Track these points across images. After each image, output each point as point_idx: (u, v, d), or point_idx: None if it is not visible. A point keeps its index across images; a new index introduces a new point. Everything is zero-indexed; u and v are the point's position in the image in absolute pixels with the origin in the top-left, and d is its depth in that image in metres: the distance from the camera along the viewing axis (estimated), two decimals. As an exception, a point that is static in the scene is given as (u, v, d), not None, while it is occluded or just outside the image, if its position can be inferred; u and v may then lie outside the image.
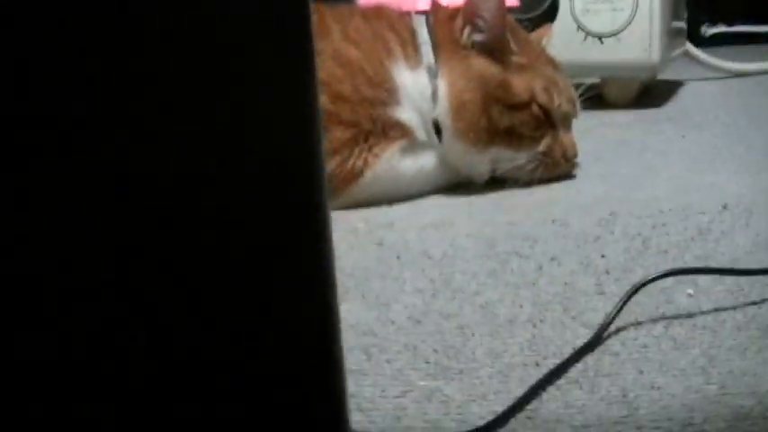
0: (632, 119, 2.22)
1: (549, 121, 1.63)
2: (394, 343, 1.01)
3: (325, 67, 1.60)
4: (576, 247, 1.27)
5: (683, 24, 2.63)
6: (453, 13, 1.66)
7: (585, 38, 2.28)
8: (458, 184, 1.66)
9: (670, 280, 1.11)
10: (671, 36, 2.39)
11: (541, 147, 1.63)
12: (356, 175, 1.57)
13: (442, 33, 1.66)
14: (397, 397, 0.89)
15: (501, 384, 0.91)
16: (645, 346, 0.97)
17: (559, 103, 1.64)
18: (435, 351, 0.99)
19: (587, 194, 1.56)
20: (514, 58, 1.64)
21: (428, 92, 1.62)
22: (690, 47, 2.69)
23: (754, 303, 1.06)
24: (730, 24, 3.34)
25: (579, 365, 0.94)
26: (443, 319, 1.07)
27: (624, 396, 0.87)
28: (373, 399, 0.87)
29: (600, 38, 2.27)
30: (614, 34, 2.26)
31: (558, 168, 1.66)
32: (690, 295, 1.09)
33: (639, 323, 1.02)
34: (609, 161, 1.81)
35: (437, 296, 1.14)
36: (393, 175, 1.60)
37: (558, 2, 2.29)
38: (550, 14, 2.30)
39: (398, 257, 1.29)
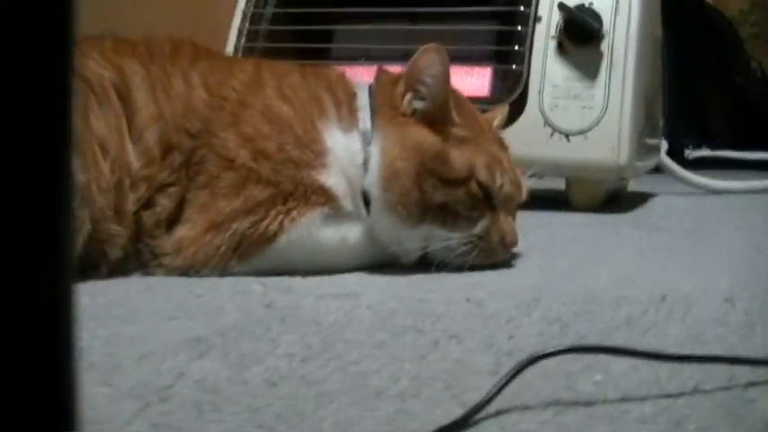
0: (591, 220, 2.05)
1: (489, 202, 1.47)
2: (234, 404, 0.84)
3: (252, 123, 1.45)
4: (484, 327, 1.10)
5: (658, 141, 2.49)
6: (397, 78, 1.51)
7: (552, 134, 2.12)
8: (385, 264, 1.46)
9: (577, 364, 0.94)
10: (643, 143, 2.23)
11: (477, 229, 1.46)
12: (269, 238, 1.40)
13: (383, 98, 1.51)
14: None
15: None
16: (525, 432, 0.79)
17: (501, 183, 1.47)
18: (278, 416, 0.81)
19: (517, 281, 1.38)
20: (456, 130, 1.48)
21: (359, 158, 1.46)
22: (665, 159, 2.54)
23: (669, 396, 0.88)
24: (714, 149, 3.20)
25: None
26: (304, 384, 0.90)
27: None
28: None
29: (567, 135, 2.12)
30: (582, 132, 2.11)
31: (494, 255, 1.48)
32: (597, 382, 0.90)
33: (527, 407, 0.84)
34: (554, 255, 1.64)
35: (307, 362, 0.96)
36: (311, 244, 1.43)
37: (527, 94, 2.14)
38: (518, 107, 2.14)
39: (283, 320, 1.11)
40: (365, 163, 1.46)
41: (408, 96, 1.48)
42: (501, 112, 1.70)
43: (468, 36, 2.26)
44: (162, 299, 1.20)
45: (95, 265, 1.37)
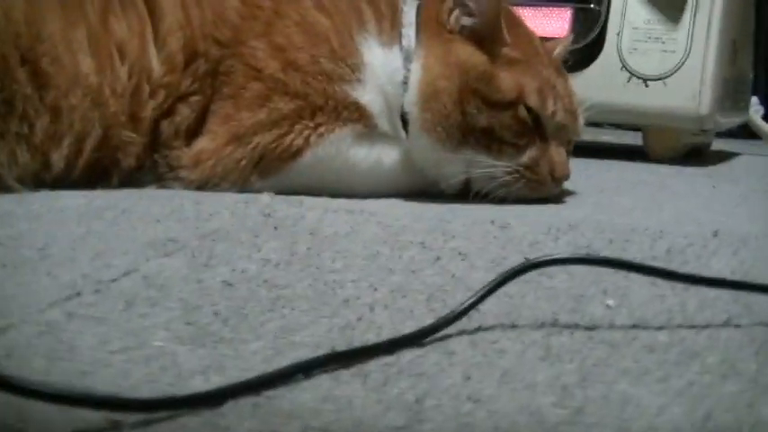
0: (666, 169, 1.85)
1: (539, 130, 1.30)
2: (175, 300, 0.70)
3: (285, 33, 1.31)
4: (500, 248, 0.95)
5: (746, 95, 2.27)
6: None
7: (629, 79, 1.93)
8: (425, 193, 1.31)
9: (593, 287, 0.78)
10: (728, 95, 2.02)
11: (524, 158, 1.29)
12: (293, 154, 1.26)
13: (429, 14, 1.35)
14: (114, 352, 0.60)
15: (259, 362, 0.58)
16: (501, 351, 0.64)
17: (554, 110, 1.30)
18: (216, 314, 0.68)
19: (558, 212, 1.21)
20: (506, 51, 1.31)
21: (399, 76, 1.31)
22: (755, 117, 2.32)
23: (692, 327, 0.71)
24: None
25: (388, 358, 0.60)
26: (265, 288, 0.76)
27: (417, 402, 0.53)
28: (92, 347, 0.61)
29: (645, 81, 1.92)
30: (661, 78, 1.91)
31: (543, 188, 1.31)
32: (609, 306, 0.74)
33: (516, 326, 0.69)
34: (613, 194, 1.47)
35: (281, 267, 0.83)
36: (339, 163, 1.28)
37: (605, 36, 1.95)
38: (594, 49, 1.96)
39: (276, 228, 0.98)
40: (406, 82, 1.31)
41: (456, 12, 1.32)
42: (564, 41, 1.52)
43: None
44: (159, 205, 1.07)
45: (106, 173, 1.25)
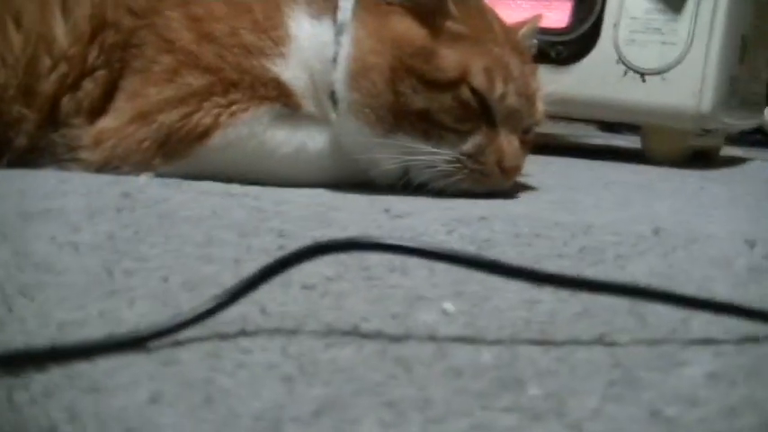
0: (656, 171, 1.63)
1: (486, 115, 1.10)
2: None
3: (205, 3, 1.13)
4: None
5: (760, 96, 2.04)
6: None
7: (626, 73, 1.72)
8: (359, 184, 1.12)
9: (433, 290, 0.58)
10: (736, 93, 1.80)
11: (468, 146, 1.10)
12: (200, 134, 1.08)
13: (367, -17, 1.16)
14: None
15: None
16: (239, 365, 0.44)
17: (504, 92, 1.10)
18: None
19: (482, 207, 1.00)
20: (451, 25, 1.12)
21: (329, 51, 1.13)
22: (771, 119, 2.09)
23: (542, 343, 0.51)
24: None
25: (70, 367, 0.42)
26: (41, 270, 0.57)
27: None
28: None
29: (642, 75, 1.71)
30: (660, 72, 1.70)
31: (489, 180, 1.11)
32: (445, 312, 0.55)
33: (275, 331, 0.49)
34: (579, 192, 1.26)
35: (82, 250, 0.65)
36: (254, 146, 1.10)
37: (601, 26, 1.74)
38: (589, 40, 1.75)
39: (119, 210, 0.79)
40: (335, 58, 1.12)
41: (396, -18, 1.13)
42: (533, 20, 1.32)
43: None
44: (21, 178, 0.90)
45: (-5, 151, 1.08)
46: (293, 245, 0.51)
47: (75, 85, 1.11)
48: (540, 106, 1.18)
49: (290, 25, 1.13)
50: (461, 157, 1.09)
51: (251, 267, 0.52)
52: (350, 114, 1.10)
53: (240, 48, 1.11)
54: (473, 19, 1.14)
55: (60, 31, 1.10)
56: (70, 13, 1.11)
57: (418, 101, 1.08)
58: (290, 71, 1.12)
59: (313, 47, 1.13)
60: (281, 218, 0.80)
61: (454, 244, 0.74)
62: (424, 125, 1.08)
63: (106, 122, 1.10)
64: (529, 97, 1.14)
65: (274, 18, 1.13)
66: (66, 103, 1.10)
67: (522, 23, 1.30)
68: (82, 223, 0.74)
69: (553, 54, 1.76)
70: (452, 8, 1.12)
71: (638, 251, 0.77)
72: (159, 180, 0.98)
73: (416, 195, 1.06)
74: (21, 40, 1.08)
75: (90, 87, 1.11)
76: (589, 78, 1.73)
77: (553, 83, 1.71)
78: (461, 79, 1.08)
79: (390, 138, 1.08)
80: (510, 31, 1.21)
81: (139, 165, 1.08)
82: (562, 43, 1.76)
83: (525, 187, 1.22)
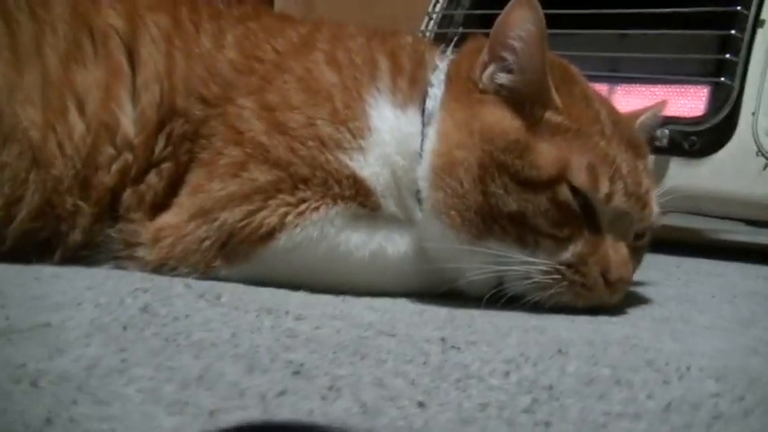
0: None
1: (590, 219, 0.94)
2: None
3: (281, 90, 1.02)
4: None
5: None
6: (482, 45, 1.01)
7: (765, 167, 1.51)
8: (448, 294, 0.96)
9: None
10: None
11: (567, 254, 0.93)
12: (265, 236, 0.96)
13: (459, 68, 1.02)
14: None
15: None
16: None
17: (610, 192, 0.94)
18: None
19: (593, 335, 0.83)
20: (551, 116, 0.96)
21: (414, 145, 0.99)
22: None
23: None
24: None
25: None
26: None
27: None
28: None
29: (786, 169, 1.50)
30: (806, 167, 1.49)
31: (592, 294, 0.94)
32: None
33: None
34: (696, 305, 1.07)
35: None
36: (325, 250, 0.96)
37: (739, 115, 1.55)
38: (725, 130, 1.56)
39: (125, 328, 0.66)
40: (422, 153, 0.98)
41: (492, 68, 0.98)
42: (654, 107, 1.14)
43: (679, 44, 1.69)
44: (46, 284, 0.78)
45: (47, 247, 0.98)
46: (302, 388, 0.37)
47: (137, 178, 1.00)
48: (655, 207, 1.00)
49: (371, 115, 1.00)
50: (560, 268, 0.93)
51: (227, 421, 0.38)
52: (433, 216, 0.95)
53: (315, 140, 0.98)
54: (577, 108, 0.98)
55: (126, 119, 1.00)
56: (138, 100, 1.01)
57: (510, 202, 0.92)
58: (370, 167, 0.98)
59: (396, 140, 0.99)
60: (311, 346, 0.66)
61: (504, 394, 0.58)
62: (518, 230, 0.93)
63: (167, 218, 0.99)
64: (640, 197, 0.97)
65: (354, 107, 1.00)
66: (128, 196, 1.00)
67: (641, 111, 1.13)
68: (70, 346, 0.61)
69: (686, 145, 1.57)
70: (556, 98, 0.96)
71: (742, 409, 0.59)
72: (199, 288, 0.85)
73: (504, 310, 0.90)
74: (82, 128, 0.99)
75: (154, 180, 1.00)
76: (725, 172, 1.54)
77: (686, 176, 1.54)
78: (560, 178, 0.92)
79: (479, 244, 0.93)
80: (623, 122, 1.04)
81: (198, 266, 0.96)
82: (696, 133, 1.57)
83: (636, 298, 1.05)
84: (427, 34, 1.95)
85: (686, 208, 1.61)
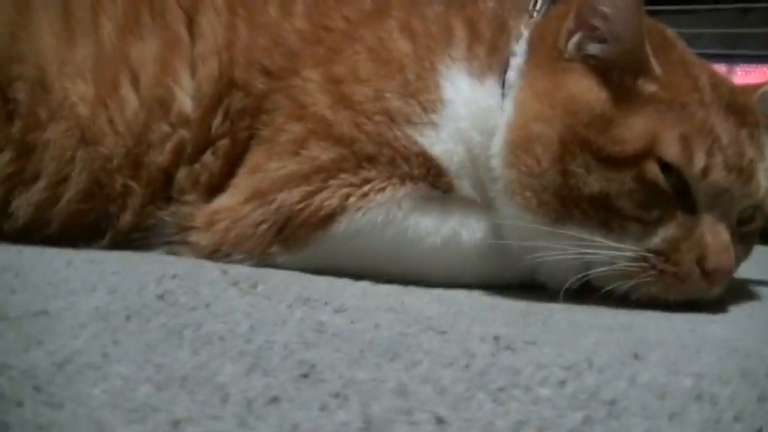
0: None
1: (684, 198, 0.81)
2: None
3: (350, 61, 0.92)
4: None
5: None
6: (568, 11, 0.88)
7: None
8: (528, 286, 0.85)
9: None
10: None
11: (656, 240, 0.80)
12: (324, 219, 0.86)
13: (543, 34, 0.90)
14: None
15: None
16: None
17: (707, 165, 0.80)
18: None
19: (682, 336, 0.70)
20: (643, 85, 0.83)
21: (493, 119, 0.87)
22: None
23: None
24: None
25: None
26: None
27: None
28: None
29: None
30: None
31: (686, 286, 0.81)
32: None
33: None
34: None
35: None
36: (392, 235, 0.86)
37: None
38: None
39: (128, 318, 0.57)
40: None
41: (578, 37, 0.86)
42: None
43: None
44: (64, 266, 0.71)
45: (96, 231, 0.91)
46: (302, 394, 0.28)
47: (193, 157, 0.92)
48: (763, 181, 0.85)
49: (444, 87, 0.89)
50: (648, 255, 0.80)
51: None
52: (506, 197, 0.84)
53: (383, 115, 0.88)
54: (674, 76, 0.84)
55: (183, 93, 0.92)
56: (195, 73, 0.93)
57: (592, 182, 0.80)
58: (442, 144, 0.87)
59: (473, 114, 0.88)
60: (336, 343, 0.56)
61: (551, 408, 0.46)
62: (602, 214, 0.80)
63: (222, 201, 0.90)
64: (743, 170, 0.83)
65: (427, 78, 0.89)
66: (182, 177, 0.92)
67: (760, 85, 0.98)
68: (56, 336, 0.52)
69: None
70: (655, 66, 0.83)
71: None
72: (236, 275, 0.75)
73: (592, 305, 0.78)
74: (135, 103, 0.91)
75: (210, 160, 0.92)
76: None
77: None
78: (647, 153, 0.80)
79: (558, 229, 0.81)
80: (726, 87, 0.89)
81: (254, 252, 0.87)
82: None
83: (745, 295, 0.91)
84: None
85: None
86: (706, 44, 1.63)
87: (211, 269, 0.77)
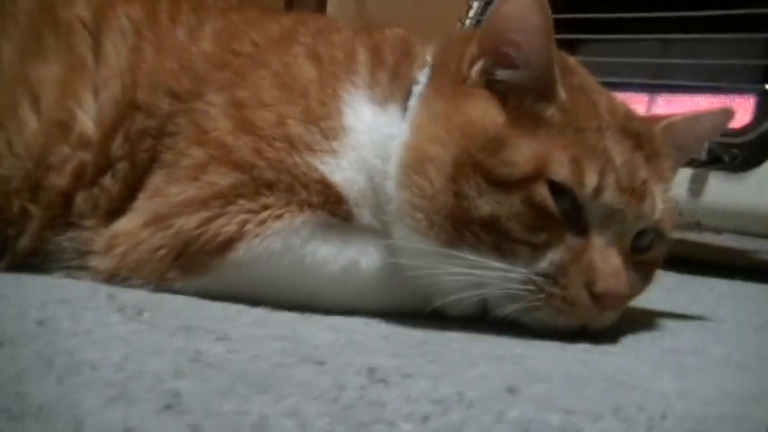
0: None
1: (575, 221, 0.82)
2: None
3: (255, 86, 0.92)
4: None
5: None
6: (472, 35, 0.90)
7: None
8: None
9: None
10: None
11: (544, 263, 0.81)
12: (221, 245, 0.85)
13: (445, 59, 0.91)
14: None
15: None
16: None
17: (599, 186, 0.81)
18: None
19: (569, 368, 0.71)
20: (544, 110, 0.84)
21: (395, 144, 0.87)
22: None
23: None
24: None
25: None
26: None
27: None
28: None
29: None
30: None
31: (576, 311, 0.81)
32: None
33: None
34: (717, 333, 0.94)
35: None
36: (290, 263, 0.86)
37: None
38: (763, 147, 1.42)
39: None
40: (402, 150, 0.87)
41: (482, 63, 0.87)
42: (707, 113, 0.99)
43: (725, 50, 1.56)
44: None
45: (-6, 253, 0.89)
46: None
47: (93, 180, 0.91)
48: (658, 202, 0.86)
49: (346, 114, 0.89)
50: (536, 278, 0.80)
51: None
52: (398, 219, 0.84)
53: (283, 141, 0.88)
54: (574, 101, 0.85)
55: (85, 115, 0.92)
56: (97, 95, 0.93)
57: (483, 205, 0.81)
58: (342, 171, 0.88)
59: (374, 141, 0.89)
60: (208, 373, 0.55)
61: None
62: (493, 238, 0.81)
63: (121, 225, 0.90)
64: (635, 191, 0.84)
65: (329, 105, 0.90)
66: (81, 200, 0.91)
67: (669, 116, 0.98)
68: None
69: (726, 158, 1.44)
70: (561, 91, 0.84)
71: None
72: (123, 301, 0.75)
73: (495, 334, 0.79)
74: (35, 126, 0.90)
75: (109, 183, 0.92)
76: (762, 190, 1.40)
77: (726, 192, 1.40)
78: (537, 175, 0.81)
79: (451, 251, 0.81)
80: (626, 115, 0.90)
81: (151, 277, 0.87)
82: (738, 146, 1.43)
83: (648, 324, 0.92)
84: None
85: (726, 226, 1.47)
86: (629, 73, 1.66)
87: (101, 294, 0.76)
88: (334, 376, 0.57)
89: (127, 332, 0.64)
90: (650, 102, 1.65)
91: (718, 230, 1.64)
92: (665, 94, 1.64)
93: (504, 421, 0.51)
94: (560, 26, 1.41)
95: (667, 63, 1.66)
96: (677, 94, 1.63)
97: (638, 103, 1.61)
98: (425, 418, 0.50)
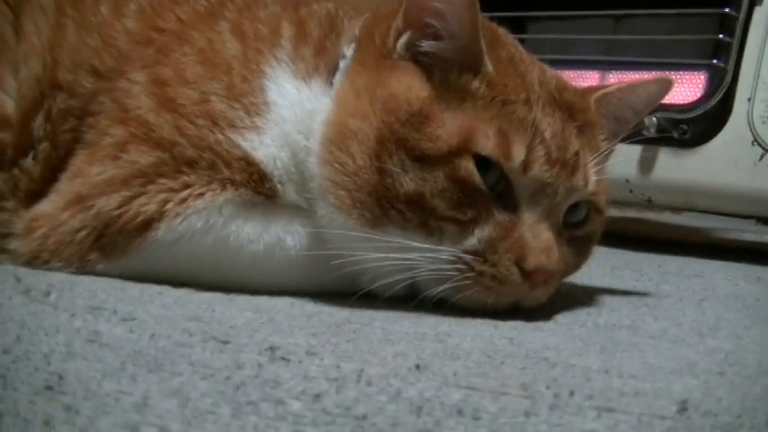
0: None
1: (504, 196, 0.81)
2: None
3: (177, 63, 0.90)
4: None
5: None
6: (398, 9, 0.88)
7: (762, 157, 1.37)
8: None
9: None
10: None
11: (473, 240, 0.80)
12: (141, 226, 0.84)
13: (370, 33, 0.90)
14: None
15: None
16: None
17: (528, 160, 0.80)
18: None
19: (492, 343, 0.70)
20: (469, 83, 0.83)
21: (319, 120, 0.86)
22: None
23: None
24: None
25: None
26: None
27: None
28: None
29: (783, 160, 1.35)
30: (805, 157, 1.34)
31: (506, 288, 0.80)
32: None
33: None
34: (657, 309, 0.94)
35: None
36: (212, 242, 0.84)
37: (733, 101, 1.40)
38: (718, 118, 1.41)
39: None
40: (325, 126, 0.86)
41: (407, 35, 0.85)
42: (641, 84, 0.96)
43: (674, 26, 1.55)
44: None
45: None
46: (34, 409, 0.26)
47: (13, 161, 0.90)
48: (590, 175, 0.85)
49: (269, 89, 0.88)
50: (465, 257, 0.79)
51: None
52: (321, 197, 0.83)
53: (206, 118, 0.86)
54: (502, 73, 0.84)
55: (4, 95, 0.90)
56: (17, 74, 0.91)
57: (407, 182, 0.79)
58: (265, 148, 0.86)
59: (298, 117, 0.87)
60: (101, 354, 0.54)
61: (289, 426, 0.45)
62: (419, 216, 0.79)
63: (42, 207, 0.88)
64: (567, 163, 0.83)
65: (252, 81, 0.88)
66: (1, 182, 0.89)
67: (599, 87, 0.97)
68: None
69: (676, 134, 1.43)
70: (487, 63, 0.83)
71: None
72: (30, 282, 0.73)
73: (426, 313, 0.78)
74: (-52, 104, 0.88)
75: (30, 164, 0.90)
76: (718, 163, 1.39)
77: (675, 168, 1.40)
78: (462, 149, 0.79)
79: (376, 230, 0.80)
80: (557, 87, 0.89)
81: (72, 260, 0.85)
82: (687, 121, 1.43)
83: (586, 301, 0.92)
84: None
85: (677, 203, 1.47)
86: (580, 51, 1.65)
87: (8, 276, 0.74)
88: (234, 355, 0.56)
89: (26, 314, 0.62)
90: (601, 79, 1.64)
91: (676, 209, 1.64)
92: (616, 72, 1.63)
93: (399, 399, 0.50)
94: (511, 3, 1.40)
95: (618, 39, 1.65)
96: (628, 71, 1.62)
97: (589, 81, 1.61)
98: (317, 396, 0.49)
